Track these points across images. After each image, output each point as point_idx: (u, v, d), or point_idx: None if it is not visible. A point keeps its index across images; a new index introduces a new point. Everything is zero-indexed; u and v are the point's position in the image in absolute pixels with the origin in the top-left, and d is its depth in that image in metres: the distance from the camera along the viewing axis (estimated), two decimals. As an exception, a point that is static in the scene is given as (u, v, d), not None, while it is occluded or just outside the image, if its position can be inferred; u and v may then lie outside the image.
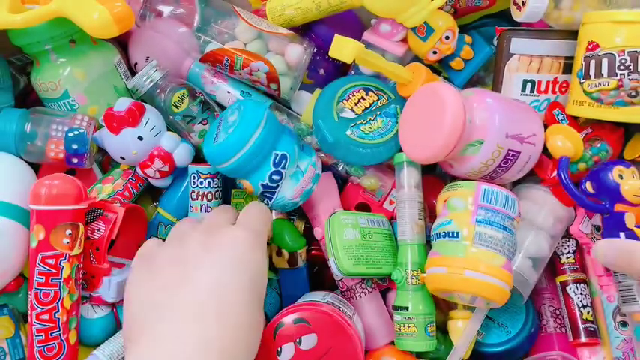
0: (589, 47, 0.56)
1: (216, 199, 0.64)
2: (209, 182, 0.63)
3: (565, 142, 0.57)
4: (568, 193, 0.56)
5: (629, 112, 0.55)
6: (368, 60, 0.58)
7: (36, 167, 0.63)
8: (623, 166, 0.57)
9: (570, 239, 0.65)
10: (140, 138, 0.61)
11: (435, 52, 0.63)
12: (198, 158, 0.66)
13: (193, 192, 0.63)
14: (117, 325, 0.60)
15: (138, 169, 0.63)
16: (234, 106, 0.59)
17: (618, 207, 0.55)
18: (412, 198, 0.60)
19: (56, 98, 0.62)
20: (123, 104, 0.61)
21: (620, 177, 0.55)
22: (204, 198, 0.63)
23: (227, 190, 0.68)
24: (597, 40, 0.56)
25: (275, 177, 0.57)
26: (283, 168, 0.57)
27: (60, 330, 0.54)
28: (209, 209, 0.63)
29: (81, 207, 0.55)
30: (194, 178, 0.63)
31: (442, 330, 0.60)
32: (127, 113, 0.60)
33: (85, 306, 0.59)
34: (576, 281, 0.63)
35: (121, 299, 0.59)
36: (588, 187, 0.58)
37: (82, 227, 0.56)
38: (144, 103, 0.62)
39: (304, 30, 0.68)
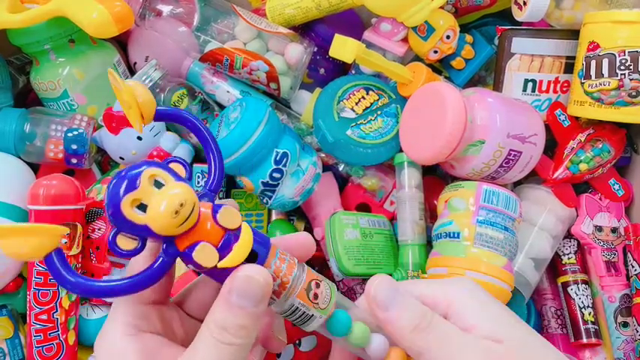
0: (590, 47, 0.56)
1: (219, 199, 0.64)
2: None
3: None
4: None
5: (630, 113, 0.55)
6: (368, 59, 0.58)
7: (35, 167, 0.62)
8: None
9: (572, 240, 0.65)
10: (139, 138, 0.61)
11: (435, 52, 0.62)
12: (198, 158, 0.66)
13: (197, 192, 0.63)
14: (116, 326, 0.60)
15: (137, 169, 0.63)
16: (236, 103, 0.59)
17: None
18: (413, 198, 0.59)
19: (55, 98, 0.62)
20: (122, 104, 0.60)
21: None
22: (207, 198, 0.63)
23: (228, 190, 0.68)
24: (598, 40, 0.55)
25: (276, 175, 0.57)
26: (284, 166, 0.57)
27: (58, 330, 0.54)
28: None
29: (79, 207, 0.55)
30: (198, 177, 0.63)
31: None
32: (127, 113, 0.60)
33: (84, 307, 0.59)
34: (577, 282, 0.63)
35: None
36: None
37: (80, 227, 0.55)
38: (143, 103, 0.62)
39: (304, 29, 0.68)
